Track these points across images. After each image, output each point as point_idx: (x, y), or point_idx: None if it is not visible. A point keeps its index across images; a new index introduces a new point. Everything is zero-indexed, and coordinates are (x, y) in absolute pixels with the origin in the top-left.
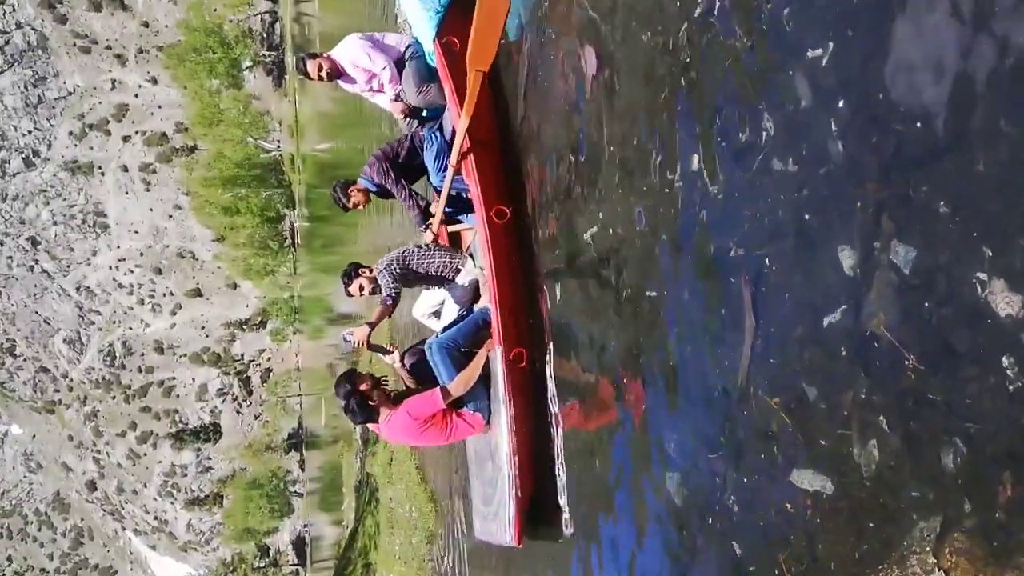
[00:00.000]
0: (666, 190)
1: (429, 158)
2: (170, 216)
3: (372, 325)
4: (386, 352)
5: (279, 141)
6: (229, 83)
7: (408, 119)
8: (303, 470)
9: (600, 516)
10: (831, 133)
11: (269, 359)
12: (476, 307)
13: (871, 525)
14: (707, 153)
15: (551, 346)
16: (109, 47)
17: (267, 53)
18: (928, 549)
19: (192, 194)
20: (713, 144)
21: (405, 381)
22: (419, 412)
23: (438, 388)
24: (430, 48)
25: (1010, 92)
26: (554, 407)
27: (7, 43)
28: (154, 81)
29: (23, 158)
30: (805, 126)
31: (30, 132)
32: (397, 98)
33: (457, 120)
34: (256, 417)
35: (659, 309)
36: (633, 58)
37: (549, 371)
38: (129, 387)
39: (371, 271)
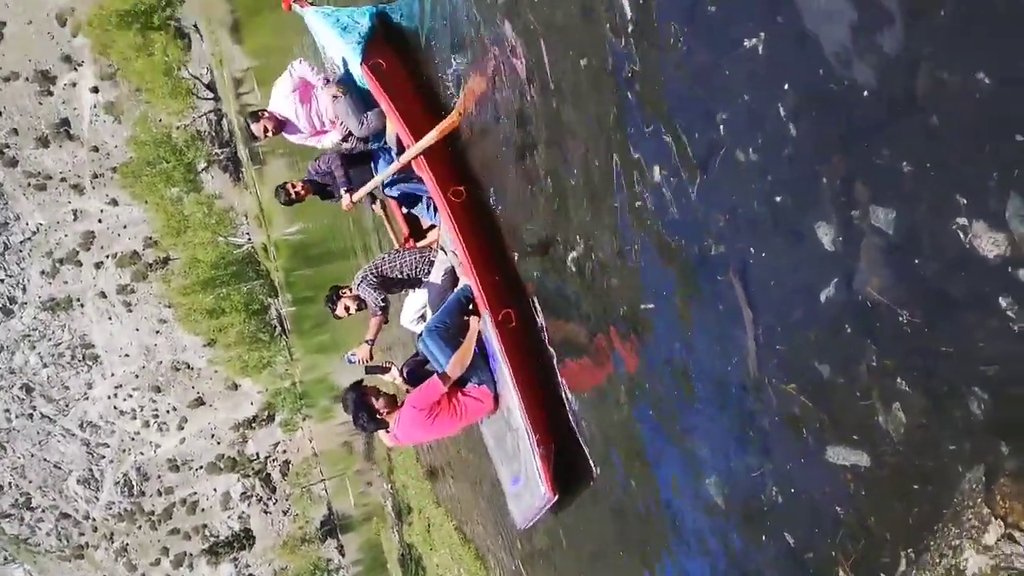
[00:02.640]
0: (636, 203)
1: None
2: (157, 332)
3: (371, 341)
4: (384, 370)
5: (248, 234)
6: (188, 188)
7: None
8: (343, 555)
9: (652, 542)
10: (783, 117)
11: (285, 451)
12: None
13: (916, 488)
14: (667, 160)
15: (539, 310)
16: (64, 179)
17: (219, 151)
18: (979, 500)
19: (174, 305)
20: (672, 150)
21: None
22: (422, 402)
23: (435, 375)
24: (359, 73)
25: (947, 44)
26: (559, 372)
27: None
28: (114, 203)
29: (0, 308)
30: (757, 115)
31: (2, 280)
32: (347, 135)
33: (402, 132)
34: (285, 512)
35: (656, 319)
36: (575, 83)
37: (545, 337)
38: (153, 513)
39: (351, 290)
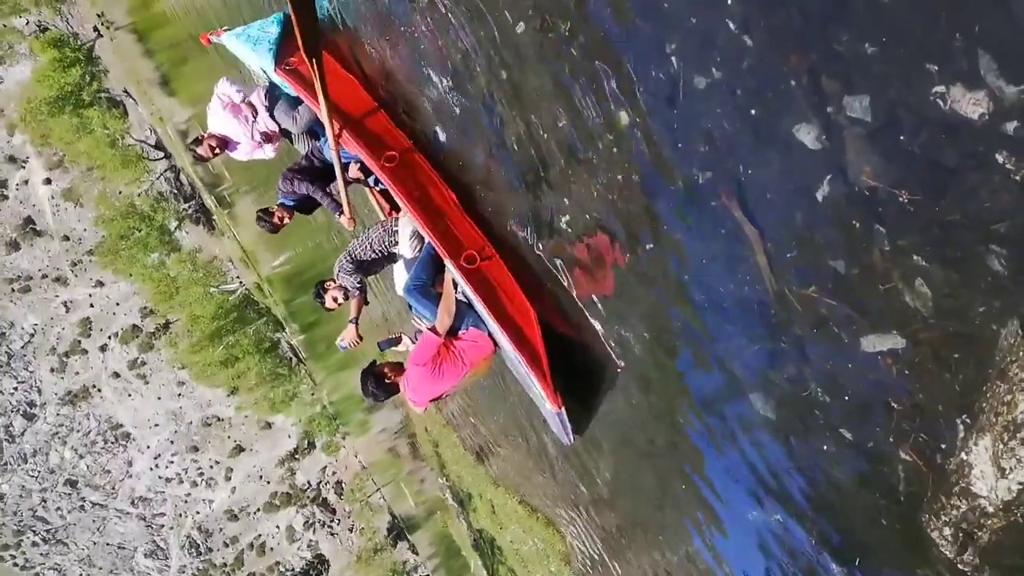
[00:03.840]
0: (614, 150)
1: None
2: (179, 395)
3: (354, 321)
4: (397, 341)
5: (238, 277)
6: (167, 250)
7: (304, 142)
8: (417, 554)
9: (708, 459)
10: (733, 30)
11: (334, 473)
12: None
13: (957, 356)
14: (631, 103)
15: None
16: (45, 276)
17: (186, 205)
18: (1021, 353)
19: (188, 365)
20: (633, 92)
21: None
22: (422, 358)
23: (426, 330)
24: (278, 78)
25: None
26: (566, 279)
27: None
28: (100, 284)
29: (22, 415)
30: (707, 35)
31: (16, 388)
32: (291, 136)
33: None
34: (351, 530)
35: (663, 259)
36: (519, 49)
37: (543, 252)
38: (225, 565)
39: (334, 281)
